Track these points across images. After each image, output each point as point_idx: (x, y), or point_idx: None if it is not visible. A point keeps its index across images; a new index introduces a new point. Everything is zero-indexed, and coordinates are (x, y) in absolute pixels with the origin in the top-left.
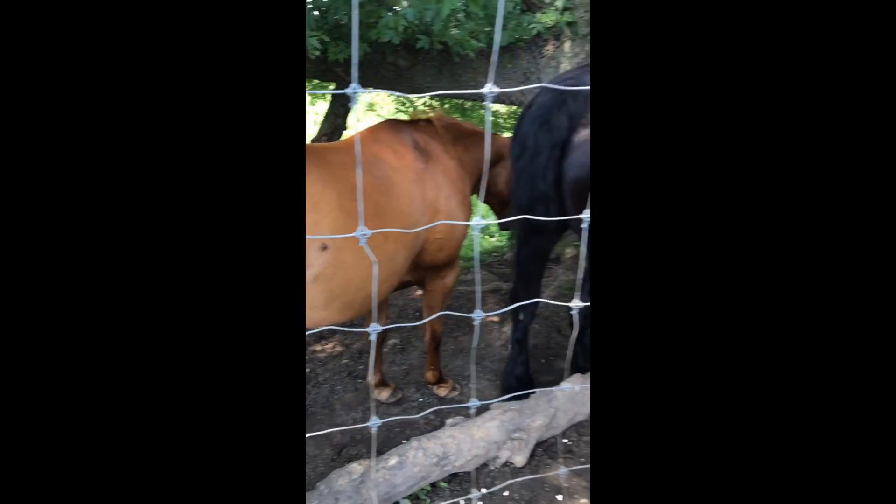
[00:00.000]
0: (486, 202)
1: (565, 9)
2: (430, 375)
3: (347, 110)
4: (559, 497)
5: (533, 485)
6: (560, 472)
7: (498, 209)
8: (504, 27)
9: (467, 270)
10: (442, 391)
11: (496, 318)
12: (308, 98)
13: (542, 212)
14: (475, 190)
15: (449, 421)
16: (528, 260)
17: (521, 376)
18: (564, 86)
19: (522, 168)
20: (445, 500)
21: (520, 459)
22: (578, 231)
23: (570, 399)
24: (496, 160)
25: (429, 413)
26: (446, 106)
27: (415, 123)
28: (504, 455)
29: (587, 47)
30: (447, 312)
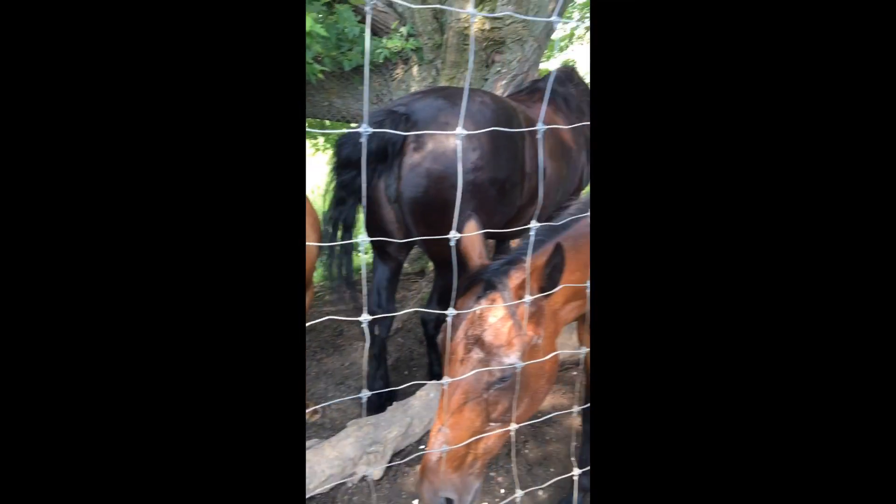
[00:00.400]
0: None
1: (410, 35)
2: None
3: None
4: (415, 502)
5: (390, 495)
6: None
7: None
8: (350, 50)
9: (332, 290)
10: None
11: (361, 339)
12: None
13: (383, 232)
14: None
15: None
16: (380, 278)
17: (380, 389)
18: (397, 110)
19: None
20: None
21: (377, 472)
22: (425, 250)
23: (425, 406)
24: None
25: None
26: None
27: None
28: (361, 470)
29: (433, 72)
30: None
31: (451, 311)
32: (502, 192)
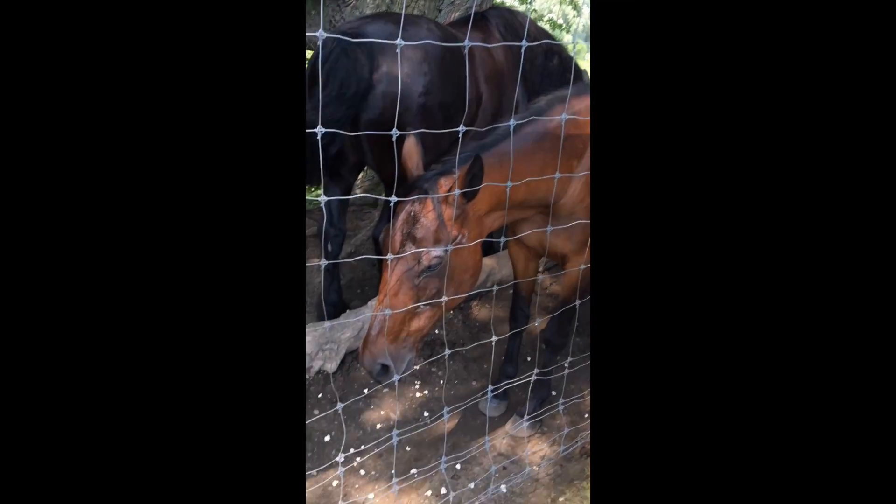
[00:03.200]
0: None
1: None
2: None
3: None
4: (365, 391)
5: (344, 385)
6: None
7: None
8: None
9: None
10: None
11: (317, 262)
12: None
13: (336, 152)
14: None
15: None
16: (330, 201)
17: (335, 302)
18: (348, 34)
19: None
20: None
21: (331, 366)
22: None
23: None
24: None
25: None
26: None
27: None
28: (317, 364)
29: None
30: None
31: (393, 198)
32: (448, 117)
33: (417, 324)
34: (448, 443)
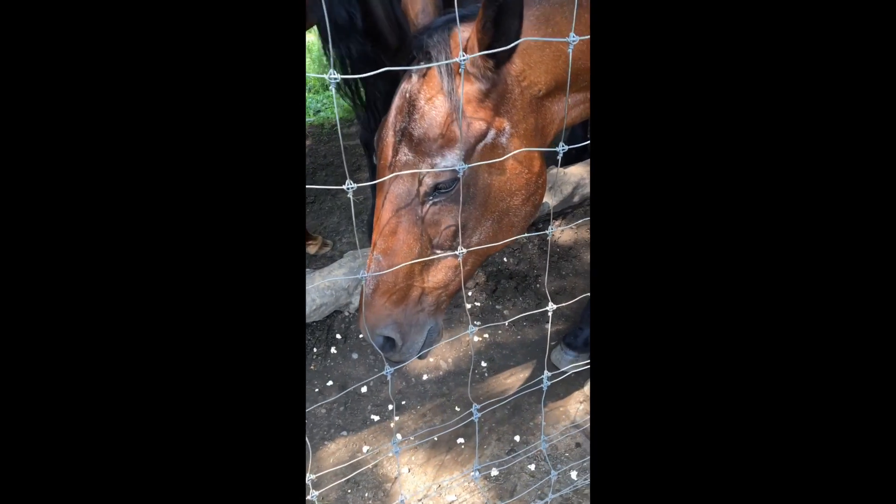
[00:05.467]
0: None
1: None
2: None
3: None
4: None
5: None
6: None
7: None
8: None
9: (351, 122)
10: (311, 248)
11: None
12: None
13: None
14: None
15: None
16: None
17: None
18: None
19: None
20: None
21: None
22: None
23: None
24: None
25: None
26: None
27: None
28: (356, 300)
29: None
30: None
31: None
32: None
33: (436, 277)
34: (507, 405)
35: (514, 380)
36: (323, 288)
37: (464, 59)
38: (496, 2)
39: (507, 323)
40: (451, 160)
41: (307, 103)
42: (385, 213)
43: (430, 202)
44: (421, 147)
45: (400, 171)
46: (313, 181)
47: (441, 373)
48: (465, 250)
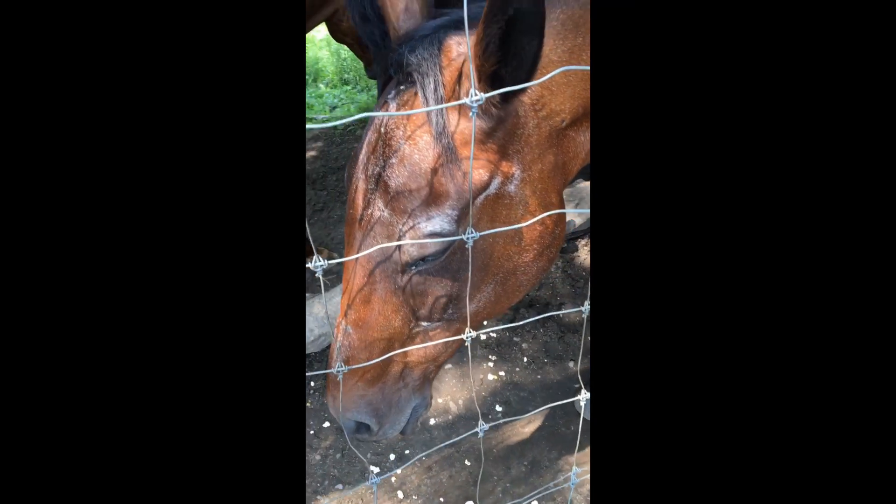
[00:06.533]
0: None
1: None
2: None
3: None
4: None
5: None
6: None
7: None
8: None
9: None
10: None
11: None
12: None
13: None
14: None
15: None
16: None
17: None
18: None
19: None
20: None
21: None
22: None
23: None
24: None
25: None
26: None
27: None
28: None
29: None
30: None
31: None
32: None
33: (422, 350)
34: (524, 460)
35: (531, 428)
36: (322, 317)
37: (474, 102)
38: (504, 11)
39: (525, 359)
40: (439, 223)
41: (323, 98)
42: (357, 276)
43: (414, 271)
44: (399, 202)
45: (373, 230)
46: (323, 186)
47: (450, 417)
48: (473, 333)
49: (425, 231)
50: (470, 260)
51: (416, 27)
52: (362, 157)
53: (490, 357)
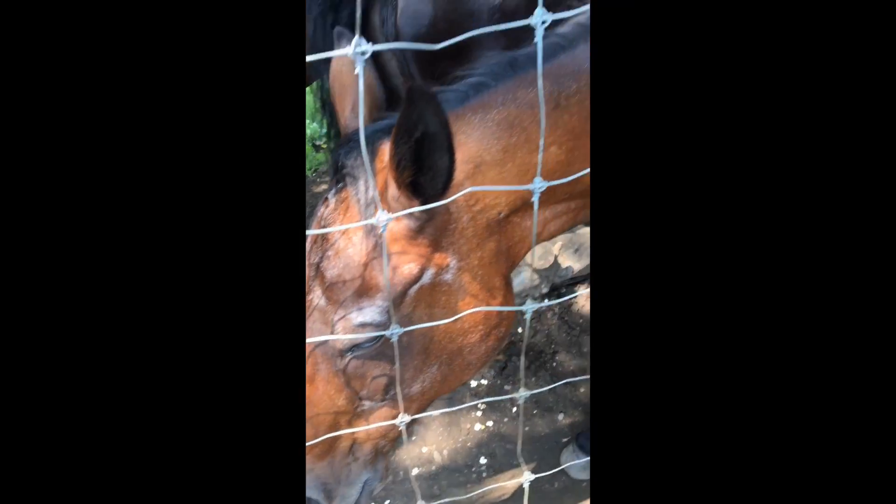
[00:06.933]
0: None
1: None
2: None
3: None
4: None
5: None
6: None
7: None
8: None
9: None
10: None
11: None
12: None
13: None
14: None
15: None
16: None
17: None
18: None
19: None
20: None
21: None
22: None
23: None
24: None
25: None
26: None
27: None
28: None
29: None
30: None
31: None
32: None
33: (371, 428)
34: None
35: (515, 484)
36: None
37: (384, 221)
38: (410, 134)
39: (514, 409)
40: (370, 313)
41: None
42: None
43: (351, 356)
44: (333, 292)
45: (312, 315)
46: None
47: (434, 468)
48: (408, 418)
49: (356, 322)
50: (400, 348)
51: (356, 131)
52: (308, 245)
53: (479, 406)
